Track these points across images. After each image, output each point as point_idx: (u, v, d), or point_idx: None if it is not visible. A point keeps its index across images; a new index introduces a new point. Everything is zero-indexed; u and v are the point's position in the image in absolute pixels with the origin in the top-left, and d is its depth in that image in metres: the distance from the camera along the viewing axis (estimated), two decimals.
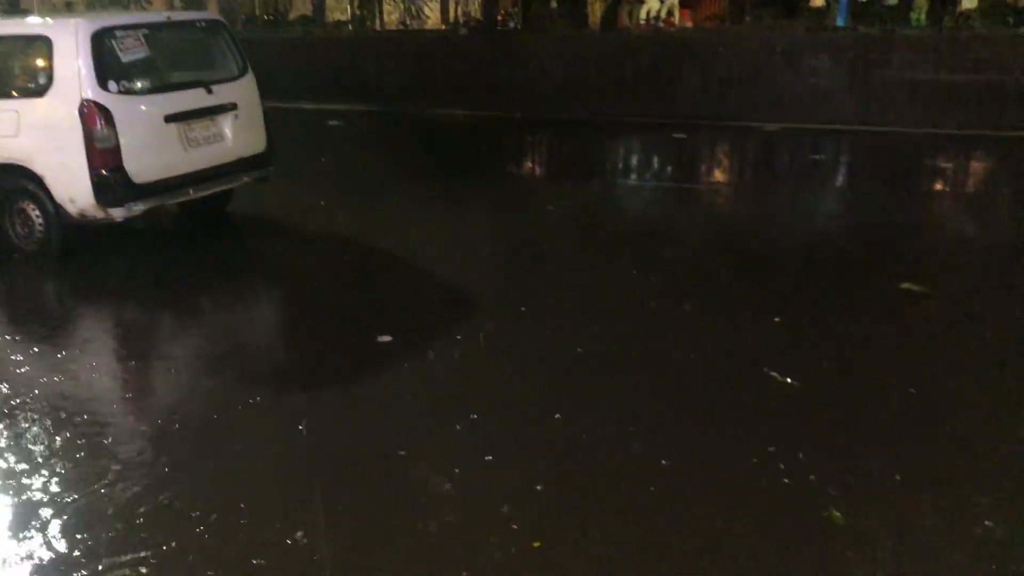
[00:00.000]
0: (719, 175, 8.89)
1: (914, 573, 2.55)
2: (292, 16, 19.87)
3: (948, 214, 7.00)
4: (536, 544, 2.70)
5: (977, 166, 8.81)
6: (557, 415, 3.50)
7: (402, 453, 3.23)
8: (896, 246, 5.81)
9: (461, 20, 17.79)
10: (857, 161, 9.10)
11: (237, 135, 6.02)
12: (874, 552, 2.62)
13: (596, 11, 15.79)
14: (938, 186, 8.00)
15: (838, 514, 2.79)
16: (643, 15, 18.09)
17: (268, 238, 6.41)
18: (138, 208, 5.41)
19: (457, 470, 3.10)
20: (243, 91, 6.15)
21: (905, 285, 4.86)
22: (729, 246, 5.95)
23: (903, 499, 2.89)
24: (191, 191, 5.77)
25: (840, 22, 13.90)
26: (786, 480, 2.99)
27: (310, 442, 3.34)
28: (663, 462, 3.13)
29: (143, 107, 5.53)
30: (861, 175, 8.51)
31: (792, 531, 2.75)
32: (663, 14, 18.07)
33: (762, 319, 4.47)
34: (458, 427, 3.42)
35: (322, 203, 7.17)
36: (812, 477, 3.00)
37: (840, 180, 8.27)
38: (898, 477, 3.00)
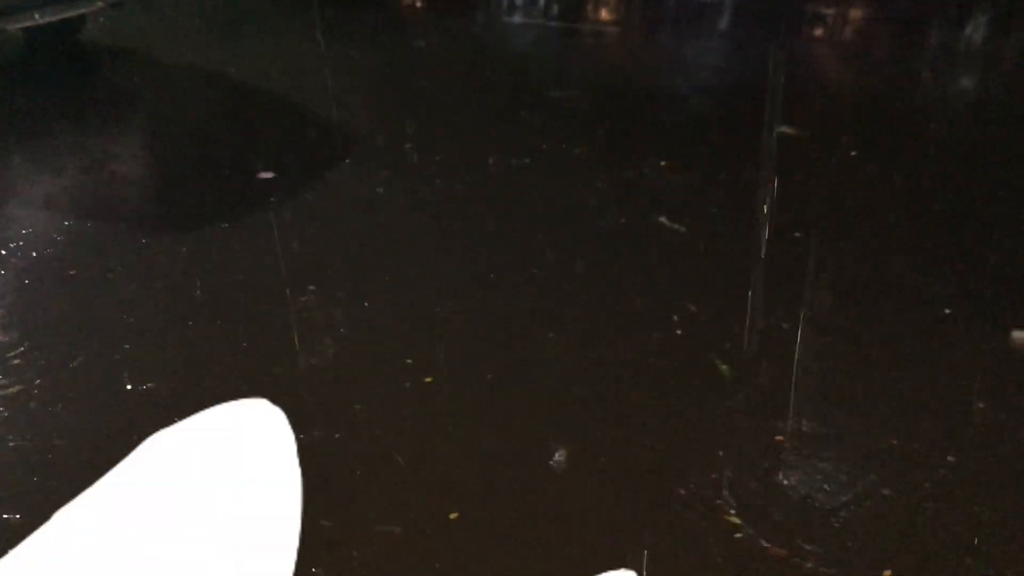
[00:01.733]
0: (606, 15, 8.70)
1: (803, 421, 2.68)
2: None
3: (826, 61, 7.11)
4: (428, 380, 2.71)
5: (856, 14, 8.93)
6: (447, 251, 3.48)
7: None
8: (775, 92, 5.88)
9: None
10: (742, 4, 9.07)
11: None
12: (763, 402, 2.73)
13: None
14: (819, 32, 8.09)
15: (725, 366, 2.87)
16: None
17: (129, 70, 5.91)
18: None
19: (349, 302, 3.06)
20: None
21: (782, 128, 4.95)
22: (615, 88, 5.89)
23: (790, 346, 3.00)
24: (35, 15, 5.21)
25: None
26: (679, 332, 3.05)
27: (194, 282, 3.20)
28: (563, 311, 3.18)
29: None
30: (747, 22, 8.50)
31: (682, 384, 2.82)
32: None
33: (649, 162, 4.48)
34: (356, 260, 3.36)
35: (188, 36, 6.64)
36: (701, 328, 3.08)
37: (725, 25, 8.24)
38: (785, 326, 3.09)
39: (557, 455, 2.39)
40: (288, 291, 3.12)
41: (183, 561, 0.96)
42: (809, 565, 2.07)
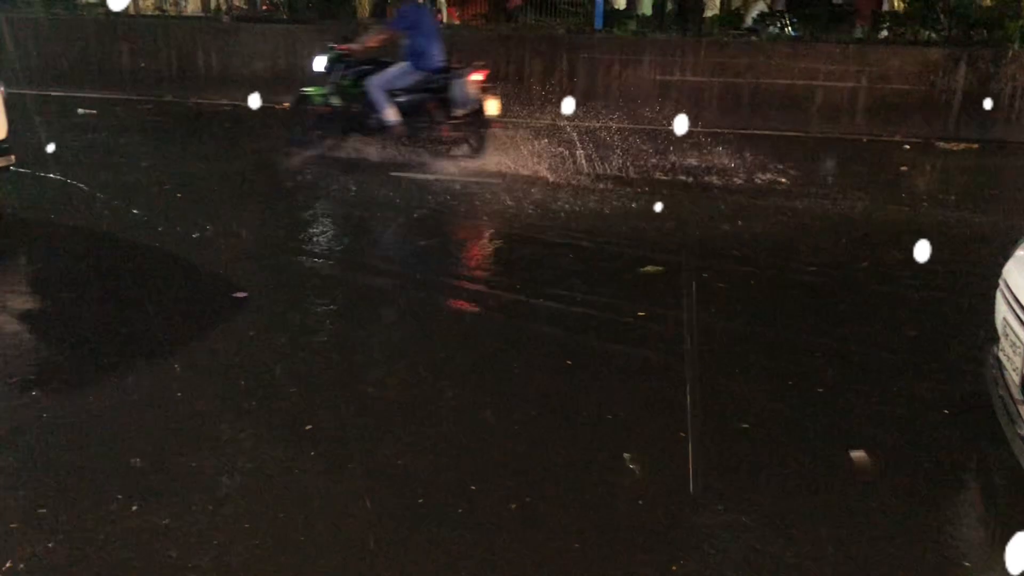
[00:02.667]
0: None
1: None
2: None
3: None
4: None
5: (725, 161, 9.72)
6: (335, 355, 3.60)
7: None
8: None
9: (224, 7, 17.16)
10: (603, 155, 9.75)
11: None
12: None
13: (364, 2, 15.81)
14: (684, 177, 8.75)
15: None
16: None
17: (13, 234, 5.95)
18: None
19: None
20: None
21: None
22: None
23: None
24: None
25: (598, 25, 14.80)
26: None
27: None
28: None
29: None
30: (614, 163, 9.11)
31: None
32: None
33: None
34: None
35: (75, 194, 6.74)
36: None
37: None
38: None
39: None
40: None
41: None
42: None
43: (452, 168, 8.21)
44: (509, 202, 7.04)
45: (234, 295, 4.74)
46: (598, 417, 3.44)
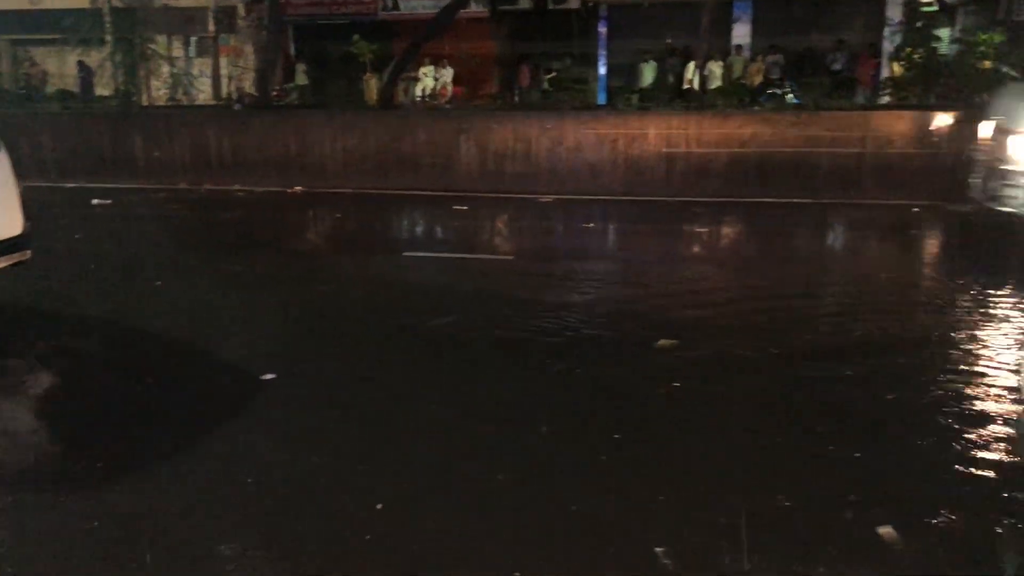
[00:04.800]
0: (501, 244, 9.28)
1: None
2: (50, 90, 18.83)
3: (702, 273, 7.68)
4: None
5: (728, 229, 9.75)
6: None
7: None
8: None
9: (234, 96, 17.54)
10: (625, 226, 9.82)
11: None
12: None
13: (372, 88, 16.14)
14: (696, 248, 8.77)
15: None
16: (418, 92, 18.70)
17: (32, 327, 5.96)
18: None
19: None
20: None
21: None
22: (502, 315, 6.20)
23: None
24: None
25: (601, 100, 15.05)
26: None
27: None
28: None
29: None
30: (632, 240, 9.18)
31: None
32: (437, 91, 18.77)
33: (545, 380, 4.69)
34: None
35: (90, 288, 6.77)
36: None
37: (611, 243, 8.88)
38: None
39: None
40: None
41: None
42: None
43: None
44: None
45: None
46: None
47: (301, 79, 19.87)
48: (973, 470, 3.51)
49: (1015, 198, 7.51)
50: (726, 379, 4.69)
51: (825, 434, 3.93)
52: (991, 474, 3.47)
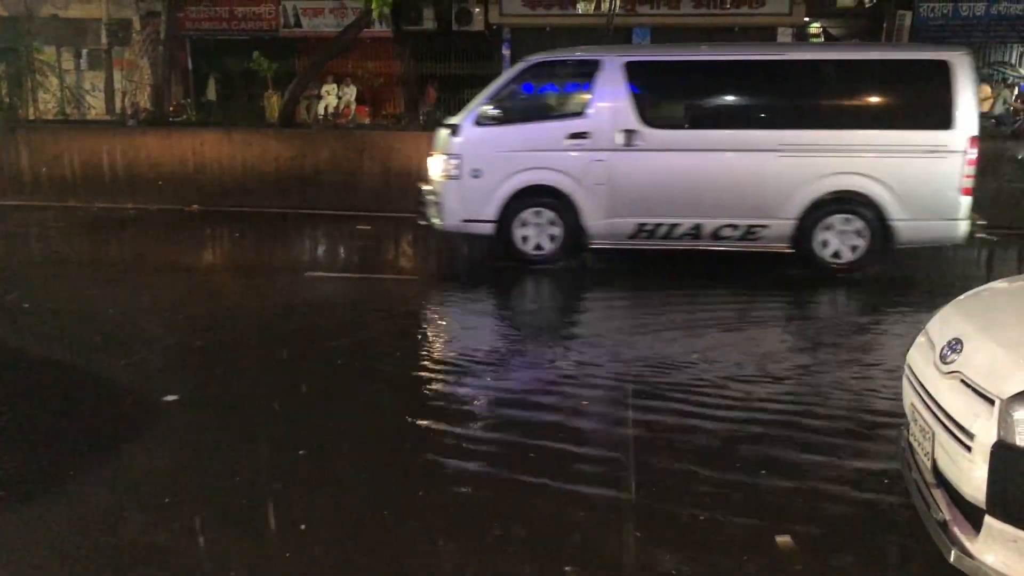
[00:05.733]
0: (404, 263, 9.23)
1: None
2: None
3: None
4: None
5: None
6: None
7: None
8: None
9: (129, 111, 16.97)
10: None
11: None
12: None
13: (273, 105, 15.86)
14: None
15: None
16: (320, 109, 18.48)
17: None
18: None
19: None
20: None
21: None
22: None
23: None
24: None
25: None
26: None
27: None
28: None
29: None
30: None
31: None
32: (340, 109, 18.59)
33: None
34: None
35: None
36: None
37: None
38: None
39: None
40: None
41: None
42: None
43: None
44: None
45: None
46: None
47: (212, 93, 19.40)
48: None
49: (432, 213, 8.25)
50: None
51: None
52: None
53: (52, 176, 12.63)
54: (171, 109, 16.14)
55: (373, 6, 11.93)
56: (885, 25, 17.19)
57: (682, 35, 20.25)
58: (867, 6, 17.44)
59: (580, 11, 17.84)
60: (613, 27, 15.61)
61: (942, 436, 2.68)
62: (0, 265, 8.45)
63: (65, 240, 10.02)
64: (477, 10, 19.58)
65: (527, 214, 7.86)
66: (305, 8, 20.10)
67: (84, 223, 11.10)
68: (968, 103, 7.24)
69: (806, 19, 19.65)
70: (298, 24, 20.32)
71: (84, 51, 21.23)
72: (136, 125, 14.37)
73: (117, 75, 19.31)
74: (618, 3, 15.37)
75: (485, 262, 8.60)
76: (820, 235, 7.55)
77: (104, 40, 18.92)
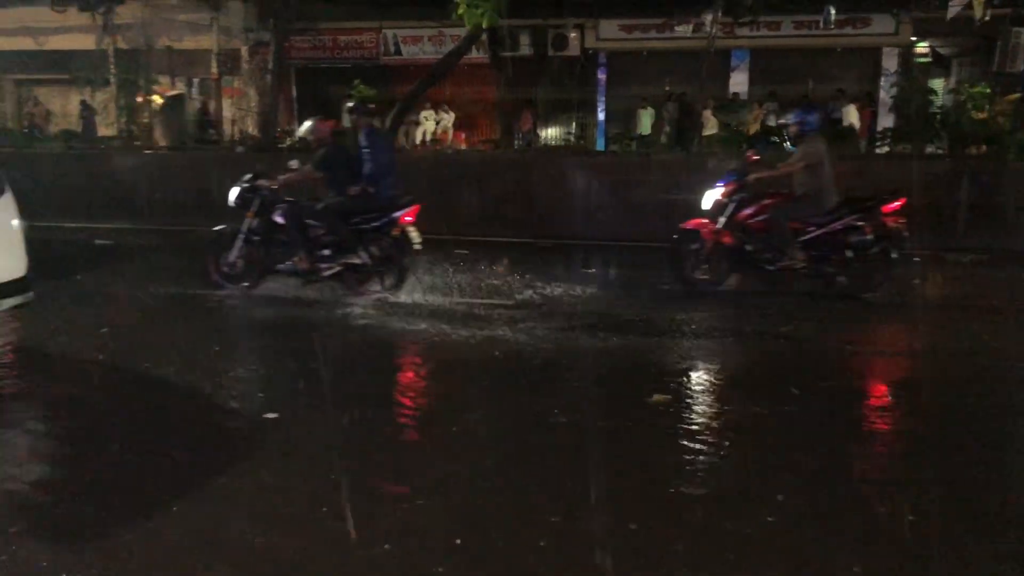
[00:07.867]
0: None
1: None
2: (53, 130, 18.95)
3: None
4: None
5: None
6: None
7: None
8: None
9: (238, 138, 17.64)
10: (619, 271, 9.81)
11: None
12: None
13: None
14: None
15: None
16: (419, 136, 18.86)
17: (38, 370, 5.91)
18: None
19: None
20: None
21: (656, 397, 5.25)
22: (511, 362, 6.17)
23: None
24: None
25: (600, 146, 15.19)
26: None
27: None
28: None
29: None
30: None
31: None
32: (438, 135, 18.95)
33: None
34: None
35: (104, 330, 6.73)
36: None
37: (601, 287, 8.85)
38: None
39: None
40: None
41: None
42: None
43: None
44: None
45: None
46: None
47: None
48: None
49: None
50: None
51: None
52: None
53: (167, 200, 13.18)
54: (277, 135, 16.69)
55: (479, 20, 11.28)
56: (998, 43, 16.52)
57: (782, 58, 20.04)
58: (979, 24, 16.82)
59: (678, 33, 17.72)
60: (712, 51, 15.47)
61: None
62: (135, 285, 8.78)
63: (180, 260, 10.39)
64: (573, 35, 19.71)
65: None
66: (405, 36, 20.60)
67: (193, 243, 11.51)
68: None
69: (913, 39, 19.09)
70: (398, 52, 20.85)
71: (195, 80, 22.25)
72: (245, 152, 14.90)
73: (226, 103, 20.16)
74: (718, 26, 15.21)
75: None
76: None
77: (214, 69, 19.78)
